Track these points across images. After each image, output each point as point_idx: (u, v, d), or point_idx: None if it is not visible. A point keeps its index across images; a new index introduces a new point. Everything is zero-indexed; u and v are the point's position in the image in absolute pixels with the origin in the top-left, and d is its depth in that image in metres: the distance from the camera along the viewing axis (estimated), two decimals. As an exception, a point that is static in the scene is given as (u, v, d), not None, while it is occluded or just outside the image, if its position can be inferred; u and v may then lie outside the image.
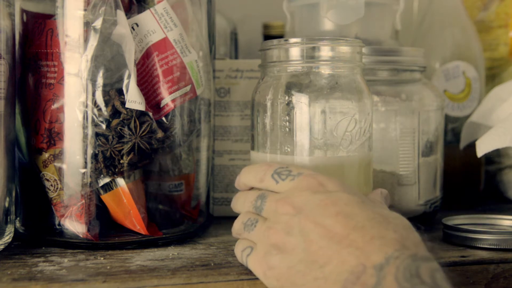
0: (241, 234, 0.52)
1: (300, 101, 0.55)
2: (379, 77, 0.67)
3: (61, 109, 0.57)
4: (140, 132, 0.57)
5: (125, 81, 0.56)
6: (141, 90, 0.56)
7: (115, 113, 0.56)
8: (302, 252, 0.45)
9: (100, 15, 0.56)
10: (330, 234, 0.45)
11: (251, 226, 0.50)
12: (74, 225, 0.57)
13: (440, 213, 0.69)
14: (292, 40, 0.57)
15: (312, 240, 0.45)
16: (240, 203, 0.53)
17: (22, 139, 0.60)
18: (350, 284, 0.42)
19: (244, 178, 0.53)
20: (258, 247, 0.49)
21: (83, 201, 0.57)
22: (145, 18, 0.57)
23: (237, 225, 0.52)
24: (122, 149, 0.57)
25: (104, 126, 0.56)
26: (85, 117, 0.56)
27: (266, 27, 0.96)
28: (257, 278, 0.49)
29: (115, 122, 0.56)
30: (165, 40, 0.58)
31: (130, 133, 0.56)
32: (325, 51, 0.56)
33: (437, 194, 0.69)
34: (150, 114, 0.57)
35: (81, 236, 0.57)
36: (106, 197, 0.58)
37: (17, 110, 0.60)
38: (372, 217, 0.46)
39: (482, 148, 0.66)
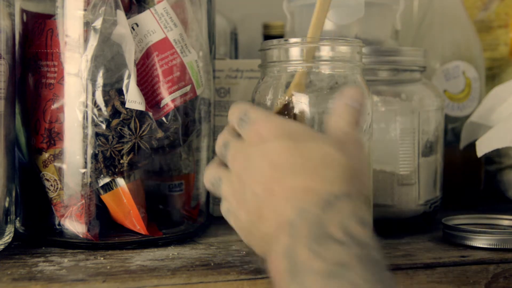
0: (215, 189, 0.51)
1: (300, 101, 0.55)
2: (379, 77, 0.67)
3: (61, 109, 0.57)
4: (140, 132, 0.57)
5: (125, 81, 0.56)
6: (141, 90, 0.56)
7: (115, 113, 0.56)
8: (248, 212, 0.46)
9: (100, 15, 0.56)
10: (257, 191, 0.45)
11: (219, 184, 0.50)
12: (74, 225, 0.57)
13: (440, 213, 0.69)
14: (292, 40, 0.57)
15: (249, 200, 0.46)
16: (217, 146, 0.53)
17: (22, 139, 0.60)
18: (272, 245, 0.42)
19: (231, 113, 0.52)
20: (231, 209, 0.49)
21: (83, 201, 0.57)
22: (145, 18, 0.57)
23: (207, 178, 0.52)
24: (122, 149, 0.57)
25: (104, 126, 0.56)
26: (85, 117, 0.56)
27: (266, 27, 0.96)
28: (257, 278, 0.49)
29: (115, 122, 0.56)
30: (165, 40, 0.58)
31: (130, 133, 0.56)
32: (325, 51, 0.56)
33: (437, 194, 0.69)
34: (150, 114, 0.57)
35: (81, 236, 0.57)
36: (106, 197, 0.58)
37: (17, 110, 0.60)
38: (296, 162, 0.44)
39: (482, 148, 0.66)
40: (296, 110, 0.55)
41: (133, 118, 0.56)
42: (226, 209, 0.50)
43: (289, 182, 0.44)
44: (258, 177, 0.46)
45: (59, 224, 0.58)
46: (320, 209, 0.40)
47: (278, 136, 0.47)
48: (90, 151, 0.57)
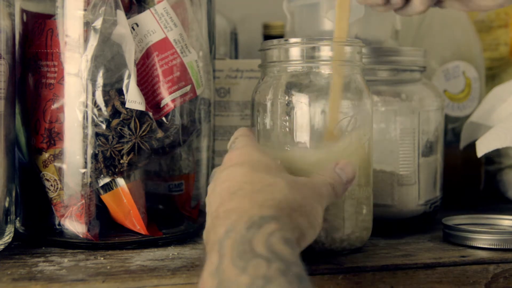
0: None
1: (300, 101, 0.55)
2: (379, 77, 0.66)
3: (61, 109, 0.57)
4: (140, 132, 0.57)
5: (125, 81, 0.56)
6: (141, 90, 0.56)
7: (115, 113, 0.56)
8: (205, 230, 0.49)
9: (100, 15, 0.56)
10: (211, 212, 0.47)
11: None
12: (74, 225, 0.57)
13: (440, 213, 0.69)
14: (292, 40, 0.57)
15: (208, 217, 0.48)
16: None
17: (22, 139, 0.60)
18: (207, 260, 0.43)
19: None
20: None
21: (83, 201, 0.57)
22: (145, 18, 0.57)
23: None
24: (122, 149, 0.57)
25: (104, 126, 0.56)
26: (85, 117, 0.56)
27: (266, 27, 0.96)
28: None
29: (115, 122, 0.56)
30: (165, 40, 0.58)
31: (130, 133, 0.56)
32: (325, 51, 0.56)
33: (437, 194, 0.69)
34: (150, 114, 0.57)
35: (81, 236, 0.57)
36: (106, 197, 0.58)
37: (17, 110, 0.60)
38: (244, 190, 0.47)
39: (482, 148, 0.66)
40: (296, 110, 0.55)
41: (133, 118, 0.56)
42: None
43: (228, 205, 0.46)
44: (215, 199, 0.48)
45: (59, 224, 0.58)
46: (245, 229, 0.42)
47: (241, 163, 0.50)
48: (90, 151, 0.57)
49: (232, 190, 0.47)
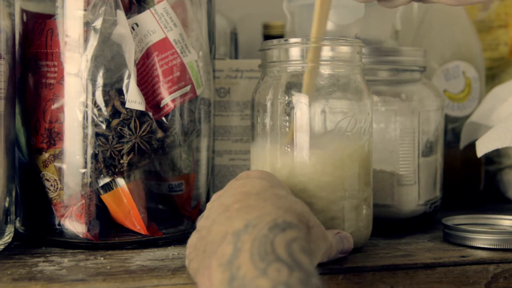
0: None
1: (300, 101, 0.55)
2: (379, 77, 0.66)
3: (61, 109, 0.57)
4: (140, 132, 0.57)
5: (125, 81, 0.56)
6: (141, 90, 0.56)
7: (115, 113, 0.56)
8: (206, 230, 0.47)
9: (100, 15, 0.56)
10: (222, 208, 0.46)
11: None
12: (74, 225, 0.57)
13: (440, 213, 0.69)
14: (292, 40, 0.57)
15: (211, 217, 0.47)
16: None
17: (22, 139, 0.60)
18: (215, 254, 0.41)
19: None
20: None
21: (83, 201, 0.57)
22: (145, 18, 0.57)
23: None
24: (122, 149, 0.57)
25: (104, 126, 0.56)
26: (85, 117, 0.56)
27: (266, 27, 0.96)
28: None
29: (115, 122, 0.56)
30: (165, 40, 0.58)
31: (130, 133, 0.57)
32: (325, 51, 0.56)
33: (437, 194, 0.69)
34: (150, 114, 0.57)
35: (81, 236, 0.57)
36: (106, 197, 0.58)
37: (17, 110, 0.60)
38: (264, 195, 0.46)
39: (482, 148, 0.66)
40: (296, 110, 0.55)
41: (133, 118, 0.56)
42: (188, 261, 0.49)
43: (247, 202, 0.45)
44: (226, 199, 0.47)
45: (59, 224, 0.58)
46: (267, 228, 0.41)
47: (260, 177, 0.50)
48: (90, 151, 0.57)
49: (251, 192, 0.47)
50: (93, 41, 0.56)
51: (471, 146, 0.71)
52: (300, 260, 0.39)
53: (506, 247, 0.57)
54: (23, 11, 0.60)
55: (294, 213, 0.45)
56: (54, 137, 0.57)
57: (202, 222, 0.49)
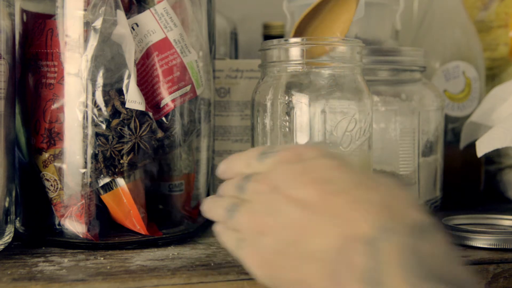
0: (224, 221, 0.46)
1: (300, 101, 0.55)
2: (379, 77, 0.67)
3: (61, 109, 0.57)
4: (140, 132, 0.57)
5: (125, 81, 0.56)
6: (141, 90, 0.56)
7: (115, 113, 0.56)
8: (282, 231, 0.40)
9: (100, 15, 0.56)
10: (305, 204, 0.40)
11: (233, 212, 0.45)
12: (74, 225, 0.57)
13: (440, 213, 0.69)
14: (292, 40, 0.57)
15: (288, 216, 0.40)
16: (226, 189, 0.48)
17: (22, 139, 0.60)
18: (339, 265, 0.36)
19: (234, 164, 0.48)
20: (248, 239, 0.43)
21: (83, 201, 0.57)
22: (145, 18, 0.57)
23: (219, 210, 0.47)
24: (122, 149, 0.57)
25: (104, 126, 0.56)
26: (85, 117, 0.56)
27: (266, 27, 0.96)
28: (257, 278, 0.49)
29: (115, 122, 0.56)
30: (165, 40, 0.58)
31: (130, 133, 0.57)
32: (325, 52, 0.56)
33: (437, 194, 0.69)
34: (150, 114, 0.57)
35: (81, 236, 0.57)
36: (106, 197, 0.58)
37: (17, 110, 0.60)
38: (354, 179, 0.39)
39: (482, 148, 0.66)
40: (296, 110, 0.55)
41: (133, 118, 0.56)
42: (237, 241, 0.44)
43: (354, 195, 0.38)
44: (303, 189, 0.40)
45: (59, 224, 0.58)
46: (410, 235, 0.35)
47: (323, 155, 0.43)
48: (90, 151, 0.57)
49: (343, 179, 0.39)
50: (93, 41, 0.56)
51: (471, 146, 0.71)
52: (460, 278, 0.34)
53: (506, 247, 0.57)
54: (23, 11, 0.60)
55: (419, 206, 0.38)
56: (54, 137, 0.57)
57: (263, 220, 0.42)
